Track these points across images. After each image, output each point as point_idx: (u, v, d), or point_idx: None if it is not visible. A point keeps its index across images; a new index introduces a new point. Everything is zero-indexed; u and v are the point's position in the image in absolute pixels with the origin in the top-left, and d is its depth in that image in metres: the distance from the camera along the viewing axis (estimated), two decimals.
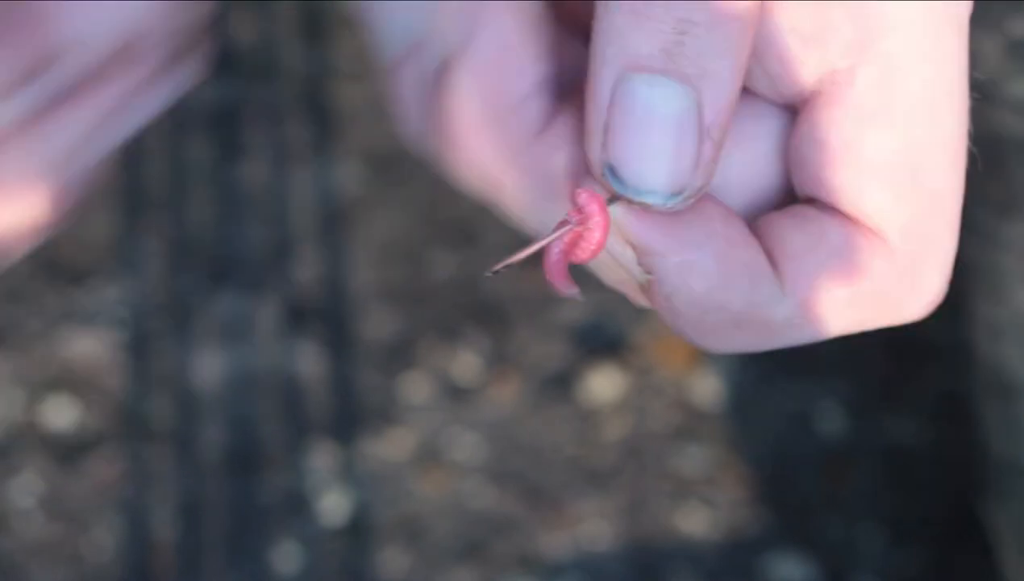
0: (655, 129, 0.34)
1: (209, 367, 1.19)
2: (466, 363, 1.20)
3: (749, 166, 0.38)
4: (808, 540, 1.14)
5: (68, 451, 1.16)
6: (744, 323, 0.36)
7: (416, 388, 1.19)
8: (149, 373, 1.19)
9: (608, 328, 1.20)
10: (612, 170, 0.34)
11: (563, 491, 1.15)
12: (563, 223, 0.35)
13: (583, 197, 0.34)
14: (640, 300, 0.38)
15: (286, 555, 1.13)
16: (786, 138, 0.38)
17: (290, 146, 1.27)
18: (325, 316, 1.22)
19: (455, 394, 1.19)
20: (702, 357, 1.20)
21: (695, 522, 1.14)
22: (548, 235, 0.35)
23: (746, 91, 0.37)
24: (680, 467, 1.16)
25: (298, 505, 1.15)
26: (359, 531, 1.14)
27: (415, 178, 1.24)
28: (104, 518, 1.14)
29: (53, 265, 1.23)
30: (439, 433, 1.17)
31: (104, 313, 1.21)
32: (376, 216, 1.24)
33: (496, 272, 0.35)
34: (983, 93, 0.65)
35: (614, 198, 0.35)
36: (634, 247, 0.36)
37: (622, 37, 0.33)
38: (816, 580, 1.12)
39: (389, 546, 1.14)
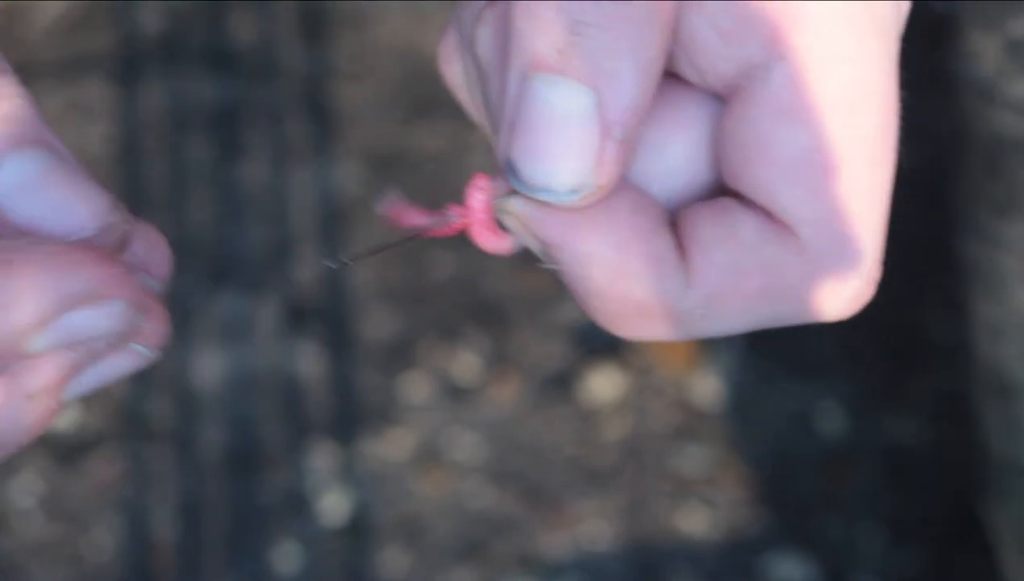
0: (553, 127, 0.34)
1: (209, 367, 1.19)
2: (466, 363, 1.20)
3: (680, 154, 0.38)
4: (808, 540, 1.14)
5: (68, 451, 1.16)
6: (649, 313, 0.37)
7: (416, 388, 1.19)
8: (149, 373, 1.19)
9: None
10: (511, 166, 0.35)
11: (563, 491, 1.15)
12: (443, 215, 0.36)
13: (470, 191, 0.35)
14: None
15: (286, 555, 1.13)
16: (717, 128, 0.38)
17: (290, 146, 1.27)
18: (325, 316, 1.22)
19: (455, 394, 1.19)
20: (702, 357, 1.20)
21: (695, 522, 1.14)
22: (422, 227, 0.36)
23: (679, 81, 0.37)
24: (680, 467, 1.16)
25: (298, 505, 1.15)
26: (359, 531, 1.14)
27: (415, 178, 1.24)
28: (104, 518, 1.14)
29: None
30: (439, 433, 1.17)
31: None
32: (376, 216, 1.24)
33: (346, 263, 0.35)
34: (983, 93, 0.65)
35: (516, 193, 0.36)
36: (537, 238, 0.36)
37: (522, 38, 0.34)
38: (816, 580, 1.12)
39: (389, 546, 1.14)
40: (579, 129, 0.34)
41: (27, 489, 1.15)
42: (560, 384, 1.19)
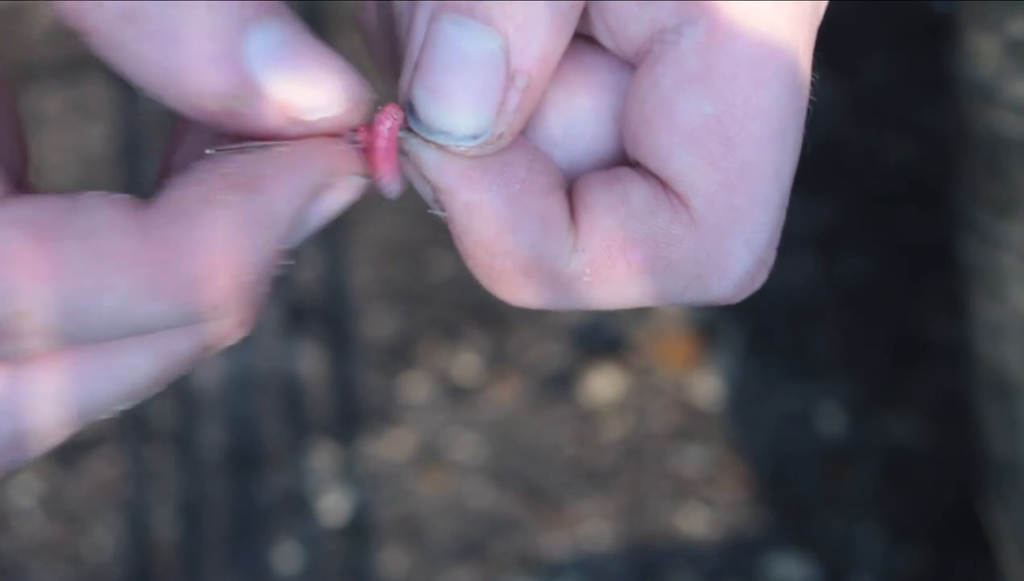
0: (457, 69, 0.34)
1: (209, 367, 1.19)
2: (466, 363, 1.20)
3: (584, 119, 0.37)
4: (808, 540, 1.14)
5: (68, 451, 1.16)
6: (533, 273, 0.36)
7: (416, 388, 1.19)
8: None
9: (608, 328, 1.20)
10: (411, 106, 0.34)
11: (563, 491, 1.16)
12: (350, 133, 0.35)
13: (379, 117, 0.34)
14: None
15: (286, 555, 1.13)
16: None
17: None
18: (325, 316, 1.22)
19: (455, 394, 1.19)
20: (702, 357, 1.20)
21: (695, 522, 1.14)
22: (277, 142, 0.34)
23: (594, 44, 0.37)
24: (680, 467, 1.16)
25: (298, 505, 1.15)
26: (359, 531, 1.14)
27: None
28: (104, 518, 1.14)
29: None
30: (439, 433, 1.17)
31: None
32: (376, 216, 1.24)
33: (219, 151, 0.34)
34: (983, 93, 0.65)
35: (414, 134, 0.35)
36: (429, 182, 0.35)
37: None
38: (816, 580, 1.12)
39: (389, 546, 1.14)
40: (483, 73, 0.34)
41: (27, 489, 1.15)
42: (560, 384, 1.19)
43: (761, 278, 0.37)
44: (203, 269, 0.31)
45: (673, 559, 1.13)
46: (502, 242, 0.35)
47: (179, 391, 1.19)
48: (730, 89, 0.35)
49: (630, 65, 0.37)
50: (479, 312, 1.22)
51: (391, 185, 0.35)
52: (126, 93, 1.28)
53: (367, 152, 0.35)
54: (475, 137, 0.34)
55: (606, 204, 0.36)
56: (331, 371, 1.20)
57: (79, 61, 1.28)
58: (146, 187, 1.40)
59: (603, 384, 1.19)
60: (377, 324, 1.21)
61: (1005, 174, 0.66)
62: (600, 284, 0.36)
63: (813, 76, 0.37)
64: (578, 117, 0.37)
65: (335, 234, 1.24)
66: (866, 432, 1.17)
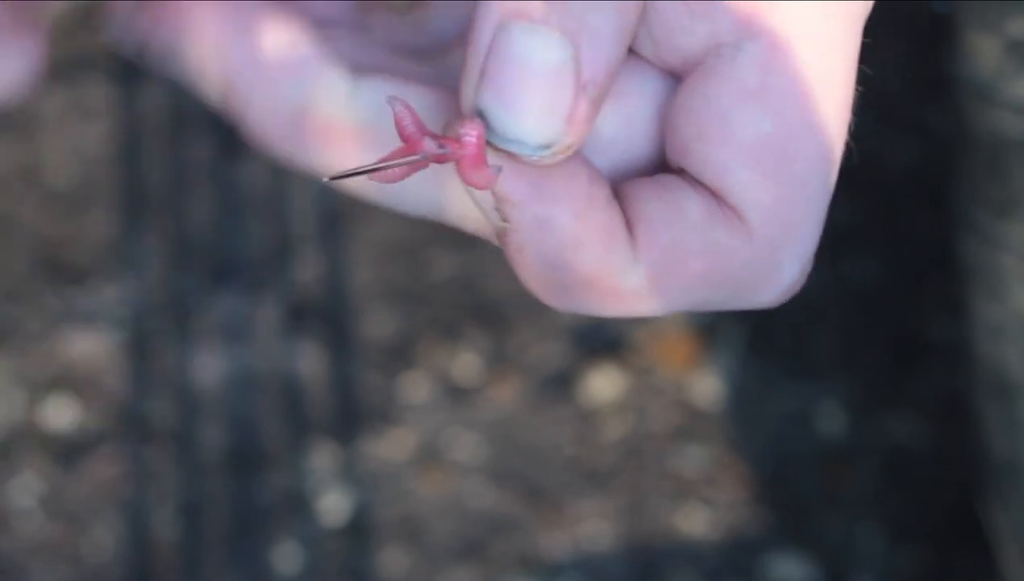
0: (529, 78, 0.33)
1: (209, 367, 1.19)
2: (466, 363, 1.20)
3: (623, 128, 0.37)
4: (808, 540, 1.14)
5: (68, 451, 1.16)
6: (592, 286, 0.36)
7: (416, 388, 1.19)
8: (149, 373, 1.19)
9: (608, 328, 1.20)
10: (482, 115, 0.34)
11: (563, 491, 1.15)
12: (422, 150, 0.34)
13: (465, 128, 0.34)
14: (496, 243, 0.37)
15: (286, 555, 1.13)
16: (664, 105, 0.38)
17: None
18: (325, 316, 1.22)
19: (455, 394, 1.19)
20: (702, 357, 1.20)
21: (695, 522, 1.14)
22: (409, 157, 0.34)
23: (630, 52, 0.37)
24: (680, 467, 1.16)
25: (298, 505, 1.15)
26: (359, 531, 1.14)
27: None
28: (104, 518, 1.14)
29: (53, 265, 1.23)
30: (439, 433, 1.17)
31: (104, 313, 1.21)
32: (376, 216, 1.24)
33: (337, 178, 0.34)
34: (983, 93, 0.65)
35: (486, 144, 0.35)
36: (494, 193, 0.35)
37: None
38: (816, 580, 1.12)
39: (389, 546, 1.14)
40: (555, 82, 0.33)
41: (27, 489, 1.15)
42: (560, 384, 1.19)
43: (800, 285, 0.38)
44: None
45: (673, 559, 1.13)
46: (566, 256, 0.35)
47: (179, 391, 1.19)
48: (788, 107, 0.35)
49: (665, 74, 0.37)
50: (479, 312, 1.22)
51: (487, 185, 0.35)
52: (126, 93, 1.28)
53: (457, 160, 0.34)
54: (547, 147, 0.34)
55: (664, 217, 0.36)
56: (331, 371, 1.20)
57: (79, 61, 1.28)
58: (146, 187, 1.40)
59: (603, 384, 1.19)
60: (377, 324, 1.21)
61: (1005, 174, 0.66)
62: (655, 295, 0.37)
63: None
64: (621, 125, 0.38)
65: (335, 234, 1.24)
66: (866, 432, 1.17)
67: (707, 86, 0.36)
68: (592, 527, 1.14)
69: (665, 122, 0.37)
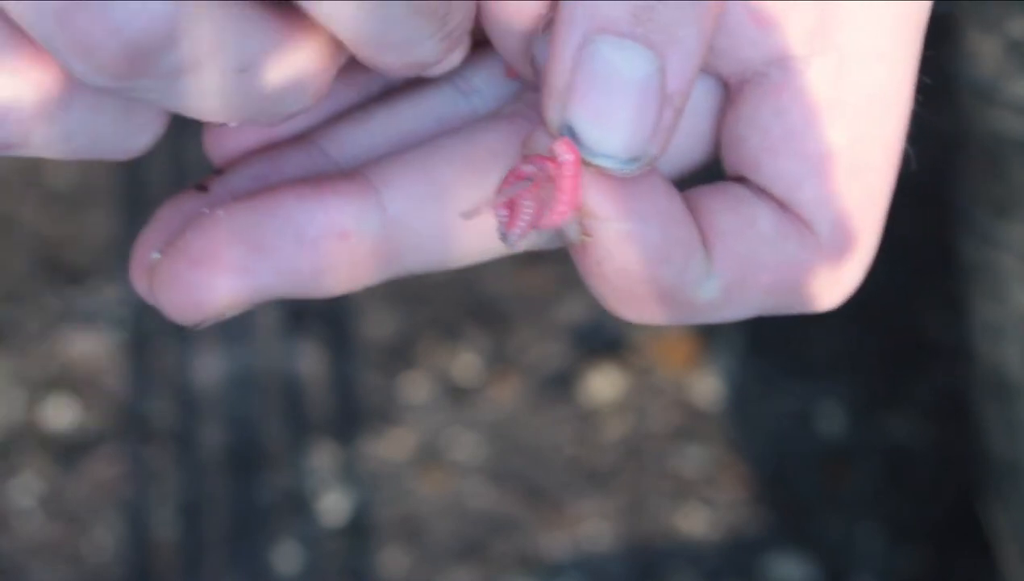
0: (618, 92, 0.33)
1: (209, 367, 1.19)
2: (466, 363, 1.20)
3: (680, 137, 0.37)
4: (808, 540, 1.14)
5: (68, 451, 1.16)
6: (669, 298, 0.36)
7: (416, 388, 1.19)
8: (149, 373, 1.19)
9: (608, 328, 1.20)
10: (571, 131, 0.34)
11: (563, 491, 1.15)
12: (524, 176, 0.34)
13: (561, 147, 0.34)
14: (571, 249, 0.37)
15: (286, 555, 1.13)
16: (715, 111, 0.38)
17: None
18: (325, 316, 1.22)
19: (455, 394, 1.19)
20: (702, 357, 1.20)
21: (695, 522, 1.14)
22: (517, 181, 0.34)
23: None
24: (680, 467, 1.16)
25: (298, 505, 1.15)
26: (359, 531, 1.14)
27: None
28: (104, 518, 1.14)
29: (53, 265, 1.23)
30: (439, 433, 1.17)
31: (104, 313, 1.21)
32: None
33: (468, 215, 0.34)
34: (983, 93, 0.65)
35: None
36: (580, 208, 0.35)
37: None
38: (816, 580, 1.12)
39: (389, 546, 1.14)
40: (643, 95, 0.33)
41: (27, 489, 1.15)
42: (560, 384, 1.19)
43: (855, 288, 0.38)
44: None
45: (673, 559, 1.13)
46: (649, 271, 0.35)
47: (179, 391, 1.19)
48: (860, 121, 0.36)
49: (719, 82, 0.37)
50: (479, 312, 1.22)
51: (570, 221, 0.35)
52: None
53: (559, 181, 0.34)
54: (636, 160, 0.34)
55: (736, 230, 0.36)
56: (331, 371, 1.20)
57: None
58: (146, 187, 1.40)
59: (603, 384, 1.19)
60: (377, 324, 1.21)
61: (1005, 174, 0.66)
62: (728, 305, 0.37)
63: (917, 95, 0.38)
64: (683, 136, 0.38)
65: None
66: (866, 432, 1.17)
67: (776, 99, 0.36)
68: (592, 527, 1.14)
69: (724, 133, 0.37)
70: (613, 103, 0.33)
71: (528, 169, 0.34)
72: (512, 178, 0.35)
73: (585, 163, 0.34)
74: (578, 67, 0.33)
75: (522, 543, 1.14)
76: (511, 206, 0.35)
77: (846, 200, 0.36)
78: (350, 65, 0.36)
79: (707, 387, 1.19)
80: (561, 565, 1.13)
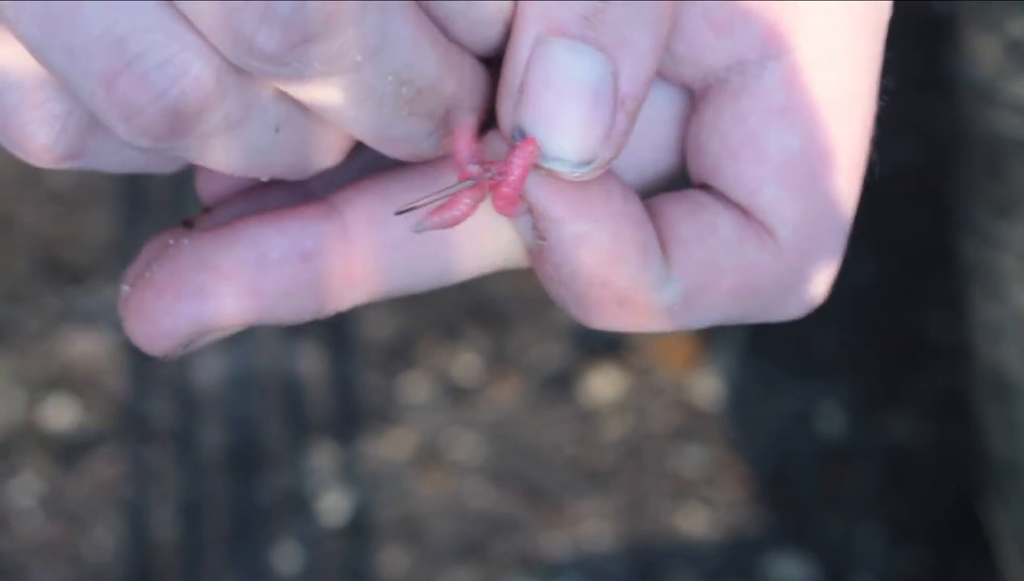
0: (569, 95, 0.33)
1: (209, 367, 1.19)
2: (466, 363, 1.20)
3: (645, 144, 0.38)
4: (808, 540, 1.14)
5: (68, 451, 1.16)
6: (627, 302, 0.36)
7: (416, 388, 1.19)
8: (149, 373, 1.19)
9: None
10: (522, 133, 0.34)
11: (563, 491, 1.15)
12: (471, 174, 0.34)
13: (519, 148, 0.33)
14: (528, 264, 0.37)
15: (286, 555, 1.13)
16: (682, 120, 0.38)
17: None
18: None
19: (455, 394, 1.19)
20: (702, 357, 1.20)
21: (695, 522, 1.14)
22: (460, 182, 0.34)
23: None
24: (680, 467, 1.16)
25: (298, 505, 1.15)
26: (359, 531, 1.14)
27: None
28: (104, 518, 1.14)
29: (53, 265, 1.23)
30: (439, 433, 1.17)
31: (104, 313, 1.21)
32: None
33: (402, 212, 0.34)
34: (983, 93, 0.65)
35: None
36: (532, 210, 0.35)
37: (544, 1, 0.33)
38: (816, 580, 1.12)
39: (389, 546, 1.14)
40: (596, 98, 0.33)
41: (27, 489, 1.15)
42: (560, 384, 1.19)
43: (826, 295, 0.38)
44: None
45: (673, 559, 1.13)
46: (603, 273, 0.35)
47: (179, 391, 1.19)
48: (816, 124, 0.36)
49: (682, 89, 0.37)
50: (479, 312, 1.22)
51: (512, 216, 0.35)
52: None
53: (500, 186, 0.34)
54: (588, 163, 0.34)
55: (696, 234, 0.36)
56: (331, 371, 1.20)
57: None
58: (146, 187, 1.40)
59: (603, 384, 1.19)
60: (377, 324, 1.21)
61: (1005, 174, 0.66)
62: (688, 311, 0.37)
63: (898, 92, 0.38)
64: (643, 141, 0.38)
65: None
66: (866, 432, 1.17)
67: (734, 105, 0.36)
68: (592, 527, 1.14)
69: (688, 138, 0.37)
70: (564, 106, 0.33)
71: (475, 170, 0.34)
72: (459, 179, 0.34)
73: (536, 165, 0.34)
74: (530, 69, 0.33)
75: (522, 543, 1.14)
76: (450, 203, 0.34)
77: (806, 204, 0.36)
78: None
79: (707, 387, 1.19)
80: (561, 565, 1.13)
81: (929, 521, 1.13)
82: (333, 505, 1.15)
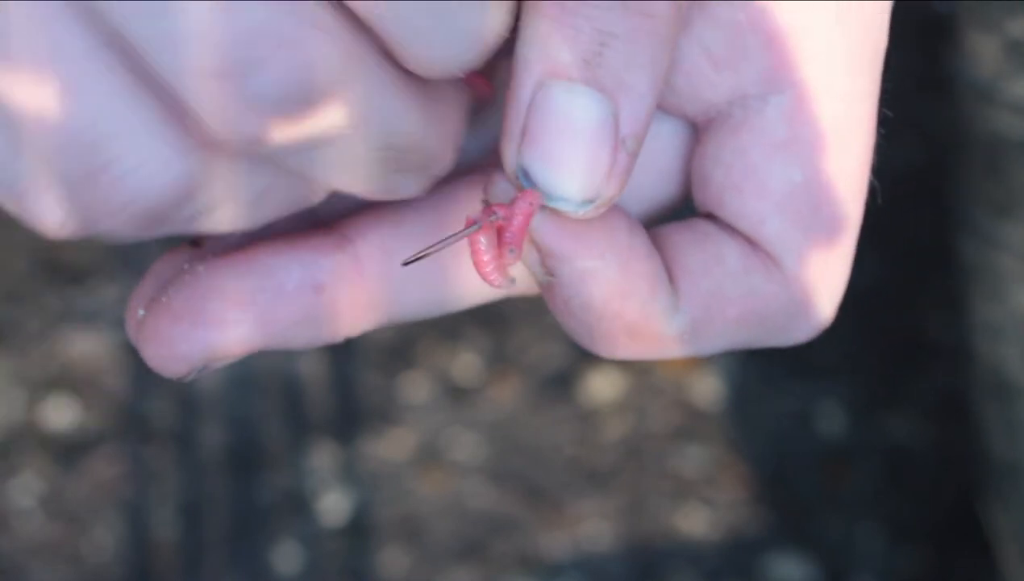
0: (571, 137, 0.34)
1: None
2: (466, 363, 1.20)
3: (649, 177, 0.39)
4: (808, 540, 1.14)
5: (68, 451, 1.16)
6: (637, 333, 0.37)
7: (416, 388, 1.19)
8: (149, 373, 1.19)
9: None
10: (526, 173, 0.34)
11: (563, 491, 1.15)
12: (475, 220, 0.35)
13: (524, 194, 0.34)
14: (537, 292, 0.38)
15: (286, 555, 1.13)
16: (685, 152, 0.39)
17: None
18: None
19: (455, 394, 1.19)
20: (702, 358, 1.20)
21: (695, 522, 1.14)
22: (466, 229, 0.35)
23: None
24: (680, 467, 1.16)
25: (298, 505, 1.15)
26: (359, 531, 1.14)
27: None
28: (104, 518, 1.14)
29: (53, 265, 1.23)
30: (439, 433, 1.17)
31: (104, 313, 1.21)
32: None
33: (410, 262, 0.34)
34: (983, 93, 0.65)
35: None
36: (539, 249, 0.36)
37: (544, 43, 0.33)
38: (816, 580, 1.12)
39: (389, 546, 1.14)
40: (597, 139, 0.34)
41: (27, 489, 1.15)
42: (560, 384, 1.19)
43: (831, 319, 0.39)
44: None
45: (673, 559, 1.13)
46: (612, 307, 0.36)
47: (179, 391, 1.19)
48: (818, 157, 0.36)
49: (685, 123, 0.38)
50: (479, 312, 1.22)
51: (510, 265, 0.36)
52: None
53: (502, 231, 0.35)
54: (591, 201, 0.34)
55: (703, 265, 0.37)
56: (331, 371, 1.20)
57: None
58: None
59: (603, 384, 1.19)
60: None
61: (1005, 174, 0.66)
62: (696, 340, 0.37)
63: (897, 95, 0.39)
64: (648, 174, 0.39)
65: None
66: (866, 432, 1.17)
67: (737, 138, 0.36)
68: (592, 527, 1.14)
69: (693, 171, 0.38)
70: (566, 147, 0.34)
71: (479, 215, 0.35)
72: (465, 225, 0.35)
73: (541, 206, 0.35)
74: (532, 112, 0.34)
75: (522, 543, 1.14)
76: (476, 251, 0.35)
77: (810, 234, 0.37)
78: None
79: (707, 387, 1.19)
80: (561, 565, 1.13)
81: (929, 521, 1.13)
82: (333, 505, 1.15)
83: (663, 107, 0.38)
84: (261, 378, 1.19)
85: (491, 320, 1.21)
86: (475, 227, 0.35)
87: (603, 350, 0.37)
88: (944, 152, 0.77)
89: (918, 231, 1.21)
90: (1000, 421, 0.74)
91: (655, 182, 0.39)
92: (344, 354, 1.20)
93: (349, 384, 1.19)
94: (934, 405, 1.17)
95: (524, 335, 1.21)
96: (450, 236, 0.35)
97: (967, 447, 0.85)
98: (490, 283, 0.35)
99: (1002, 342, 0.71)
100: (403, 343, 1.21)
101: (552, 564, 1.13)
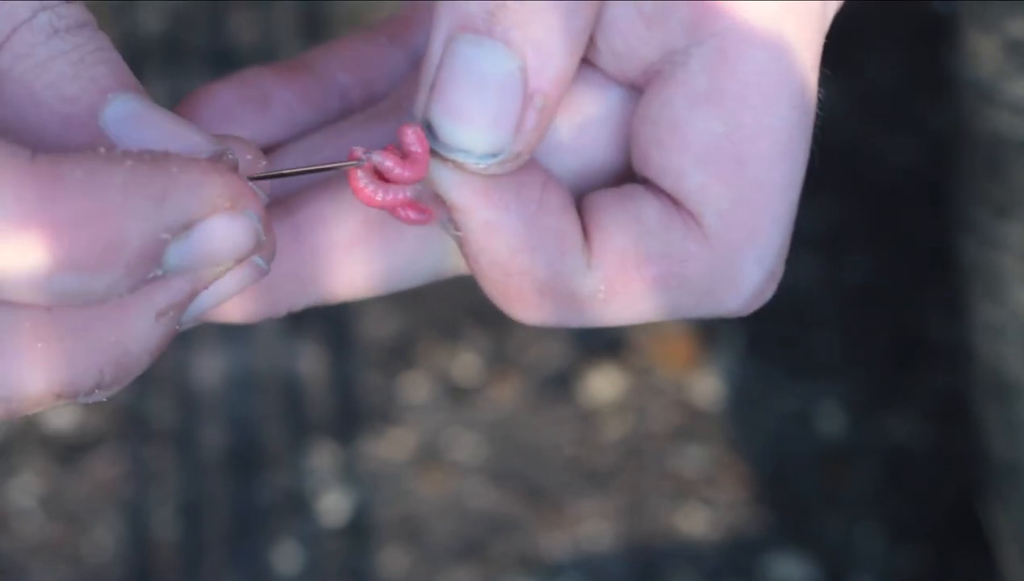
0: (475, 89, 0.34)
1: (209, 367, 1.19)
2: (466, 363, 1.20)
3: (584, 138, 0.38)
4: (808, 540, 1.14)
5: (68, 451, 1.16)
6: (549, 291, 0.36)
7: (416, 388, 1.19)
8: (149, 373, 1.19)
9: (608, 328, 1.20)
10: (429, 126, 0.34)
11: (563, 491, 1.15)
12: (358, 157, 0.35)
13: (410, 134, 0.34)
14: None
15: (286, 555, 1.13)
16: (628, 117, 0.38)
17: None
18: (325, 316, 1.22)
19: (455, 394, 1.19)
20: (702, 357, 1.20)
21: (695, 522, 1.14)
22: (340, 161, 0.35)
23: (592, 67, 0.37)
24: (680, 467, 1.16)
25: (298, 505, 1.15)
26: (359, 531, 1.14)
27: None
28: (104, 518, 1.14)
29: None
30: (439, 433, 1.17)
31: None
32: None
33: (255, 179, 0.34)
34: (983, 93, 0.65)
35: (432, 153, 0.35)
36: (445, 202, 0.36)
37: None
38: (816, 580, 1.12)
39: (389, 546, 1.14)
40: (501, 93, 0.34)
41: (27, 489, 1.15)
42: (560, 384, 1.19)
43: (770, 291, 0.38)
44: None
45: (673, 559, 1.13)
46: (519, 261, 0.36)
47: (179, 391, 1.19)
48: (739, 108, 0.35)
49: (631, 87, 0.37)
50: (479, 312, 1.22)
51: (442, 218, 0.36)
52: None
53: (391, 177, 0.35)
54: (494, 156, 0.34)
55: (619, 222, 0.36)
56: (331, 371, 1.20)
57: None
58: None
59: (603, 384, 1.19)
60: (377, 324, 1.21)
61: (1005, 174, 0.66)
62: (614, 301, 0.37)
63: (820, 80, 0.37)
64: (582, 135, 0.38)
65: None
66: (866, 432, 1.17)
67: (662, 93, 0.36)
68: (592, 527, 1.14)
69: (630, 134, 0.37)
70: (470, 101, 0.34)
71: (361, 153, 0.35)
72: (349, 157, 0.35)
73: (441, 157, 0.35)
74: (441, 65, 0.34)
75: (522, 543, 1.14)
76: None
77: (734, 192, 0.36)
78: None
79: (707, 387, 1.19)
80: (561, 565, 1.13)
81: (929, 521, 1.13)
82: (333, 505, 1.15)
83: (609, 74, 0.37)
84: (261, 378, 1.19)
85: (491, 320, 1.21)
86: (355, 163, 0.34)
87: (519, 312, 0.37)
88: (944, 152, 0.77)
89: (918, 231, 1.21)
90: (1000, 421, 0.74)
91: (598, 150, 0.38)
92: (344, 354, 1.20)
93: (349, 384, 1.19)
94: (934, 405, 1.17)
95: (524, 335, 1.21)
96: (324, 164, 0.35)
97: (967, 447, 0.85)
98: (403, 220, 0.35)
99: (1002, 342, 0.71)
100: (403, 343, 1.21)
101: (552, 564, 1.13)
